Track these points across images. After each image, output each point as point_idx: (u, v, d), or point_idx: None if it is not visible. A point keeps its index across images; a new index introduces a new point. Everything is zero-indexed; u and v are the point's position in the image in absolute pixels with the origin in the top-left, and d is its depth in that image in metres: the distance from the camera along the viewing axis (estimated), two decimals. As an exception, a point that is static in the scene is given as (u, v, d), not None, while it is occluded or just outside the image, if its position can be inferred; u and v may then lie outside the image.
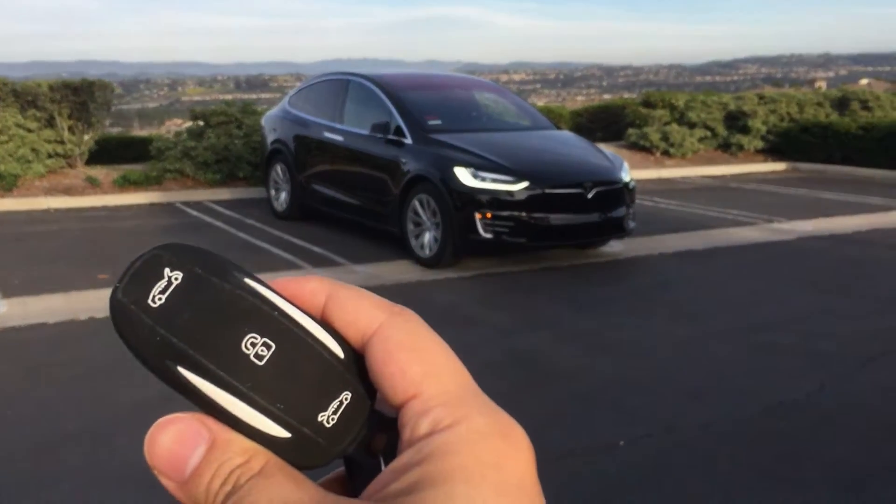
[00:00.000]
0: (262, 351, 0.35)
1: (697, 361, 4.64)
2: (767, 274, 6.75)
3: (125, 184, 10.41)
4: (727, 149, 15.33)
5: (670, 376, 4.40)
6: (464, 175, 6.61)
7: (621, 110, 16.57)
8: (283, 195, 9.10)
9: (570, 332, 5.13)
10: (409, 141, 7.22)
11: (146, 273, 0.35)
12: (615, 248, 7.52)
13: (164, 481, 0.35)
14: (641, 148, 14.77)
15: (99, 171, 10.95)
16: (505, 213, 6.51)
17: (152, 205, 10.06)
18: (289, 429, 0.36)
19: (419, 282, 6.40)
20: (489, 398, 0.37)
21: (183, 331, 0.34)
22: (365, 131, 7.71)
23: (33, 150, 10.31)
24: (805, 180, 13.14)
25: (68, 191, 10.13)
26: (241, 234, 8.27)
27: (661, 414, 3.87)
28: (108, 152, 12.45)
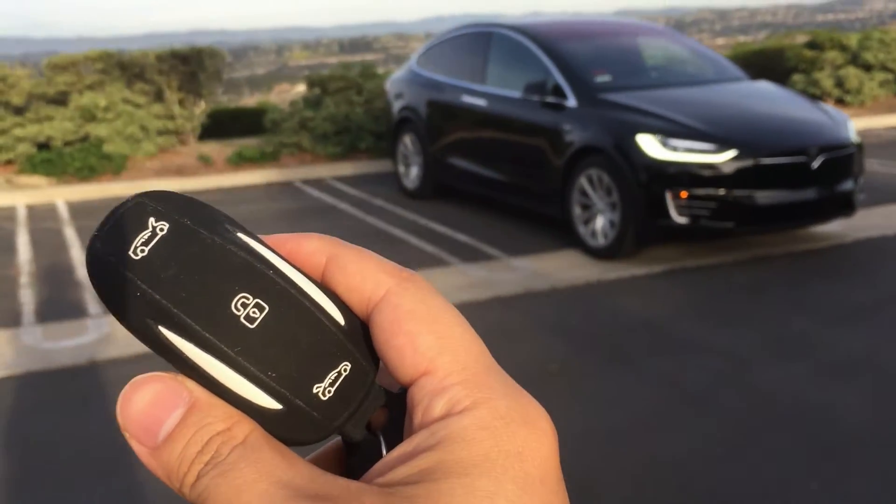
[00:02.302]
0: (253, 313, 0.32)
1: None
2: None
3: (240, 161, 9.51)
4: (910, 93, 13.17)
5: None
6: (650, 144, 5.23)
7: (780, 54, 14.56)
8: (414, 170, 7.93)
9: (836, 362, 3.73)
10: (572, 103, 5.87)
11: (129, 222, 0.32)
12: (833, 227, 5.98)
13: (136, 447, 0.32)
14: (811, 96, 12.83)
15: (212, 148, 10.10)
16: (705, 191, 5.11)
17: (269, 185, 9.11)
18: (280, 400, 0.32)
19: (599, 282, 5.10)
20: (508, 375, 0.33)
21: (166, 287, 0.31)
22: (514, 93, 6.41)
23: (142, 127, 9.52)
24: None
25: (180, 171, 9.30)
26: (371, 219, 7.16)
27: None
28: (220, 125, 11.64)
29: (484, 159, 6.84)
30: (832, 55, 13.38)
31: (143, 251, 0.31)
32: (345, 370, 0.34)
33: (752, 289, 4.86)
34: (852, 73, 12.80)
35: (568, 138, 5.80)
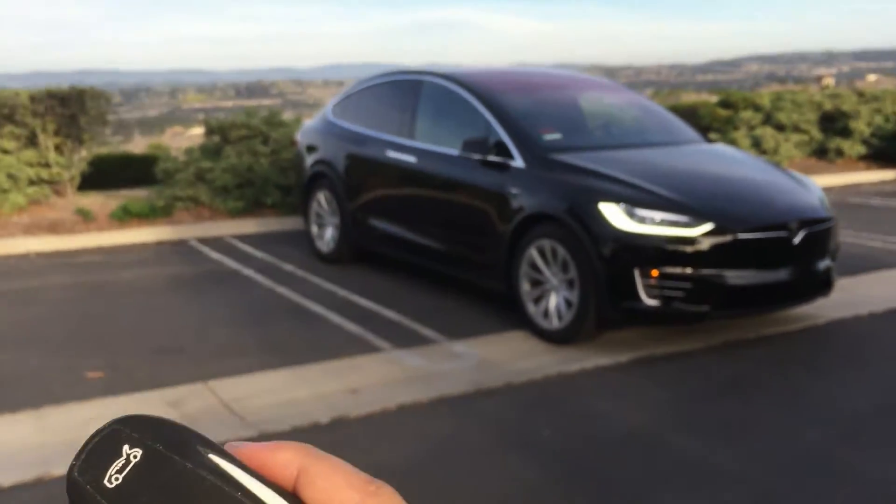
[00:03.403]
0: None
1: None
2: None
3: (126, 216, 8.36)
4: (823, 155, 13.24)
5: None
6: (614, 214, 4.54)
7: (692, 112, 14.49)
8: (329, 231, 7.04)
9: (881, 497, 3.04)
10: (518, 163, 5.15)
11: (104, 450, 0.34)
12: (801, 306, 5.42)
13: None
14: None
15: (93, 201, 8.90)
16: (678, 270, 4.45)
17: (160, 244, 7.99)
18: None
19: (560, 375, 4.32)
20: None
21: None
22: (449, 150, 5.65)
23: (10, 176, 8.26)
24: (933, 192, 11.05)
25: (54, 228, 8.07)
26: (281, 289, 6.20)
27: None
28: (103, 174, 10.41)
29: (413, 222, 6.04)
30: (747, 115, 13.37)
31: (117, 479, 0.33)
32: None
33: (737, 386, 4.18)
34: (769, 134, 12.78)
35: (515, 203, 5.07)
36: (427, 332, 5.09)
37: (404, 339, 4.96)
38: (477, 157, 5.35)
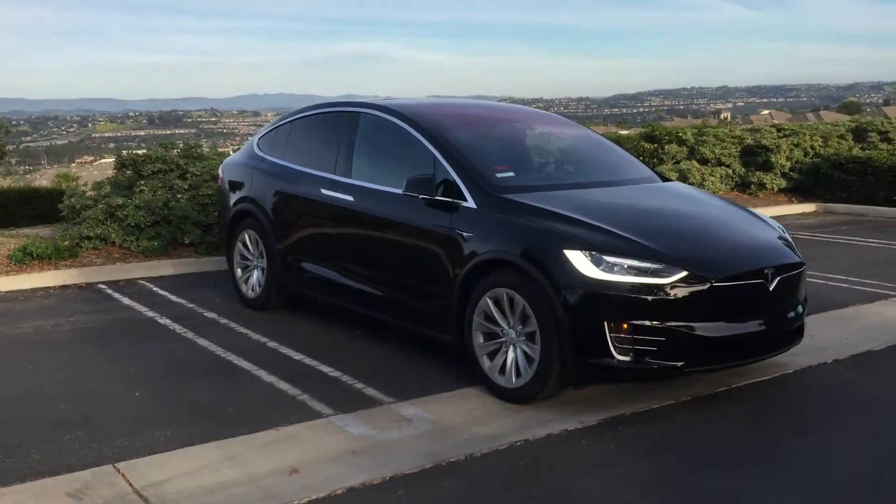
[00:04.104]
0: None
1: None
2: None
3: (26, 258, 7.55)
4: (745, 188, 13.35)
5: None
6: (580, 261, 4.14)
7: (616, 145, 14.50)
8: (256, 275, 6.46)
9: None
10: (469, 203, 4.72)
11: None
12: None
13: None
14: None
15: (-12, 240, 8.04)
16: (650, 323, 4.07)
17: (65, 288, 7.22)
18: None
19: (525, 443, 3.87)
20: None
21: None
22: (392, 188, 5.17)
23: None
24: (857, 225, 11.18)
25: (-59, 272, 7.20)
26: (202, 341, 5.58)
27: None
28: (2, 210, 9.55)
29: (350, 266, 5.53)
30: (672, 149, 13.39)
31: None
32: None
33: (718, 451, 3.80)
34: (695, 167, 12.80)
35: (467, 247, 4.62)
36: (371, 391, 4.57)
37: (346, 400, 4.42)
38: (423, 196, 4.89)
